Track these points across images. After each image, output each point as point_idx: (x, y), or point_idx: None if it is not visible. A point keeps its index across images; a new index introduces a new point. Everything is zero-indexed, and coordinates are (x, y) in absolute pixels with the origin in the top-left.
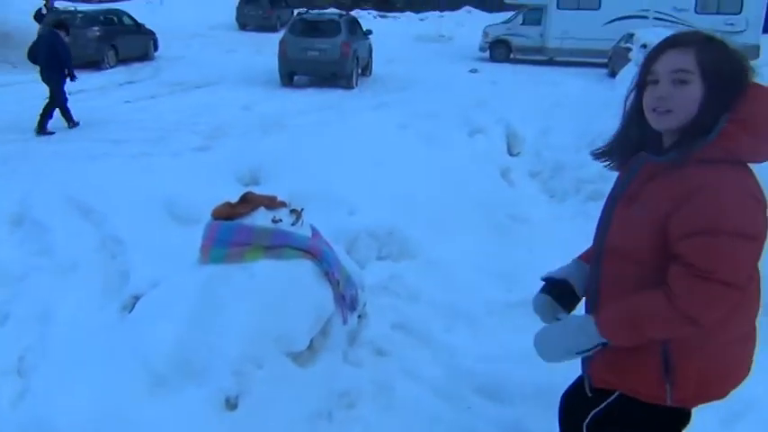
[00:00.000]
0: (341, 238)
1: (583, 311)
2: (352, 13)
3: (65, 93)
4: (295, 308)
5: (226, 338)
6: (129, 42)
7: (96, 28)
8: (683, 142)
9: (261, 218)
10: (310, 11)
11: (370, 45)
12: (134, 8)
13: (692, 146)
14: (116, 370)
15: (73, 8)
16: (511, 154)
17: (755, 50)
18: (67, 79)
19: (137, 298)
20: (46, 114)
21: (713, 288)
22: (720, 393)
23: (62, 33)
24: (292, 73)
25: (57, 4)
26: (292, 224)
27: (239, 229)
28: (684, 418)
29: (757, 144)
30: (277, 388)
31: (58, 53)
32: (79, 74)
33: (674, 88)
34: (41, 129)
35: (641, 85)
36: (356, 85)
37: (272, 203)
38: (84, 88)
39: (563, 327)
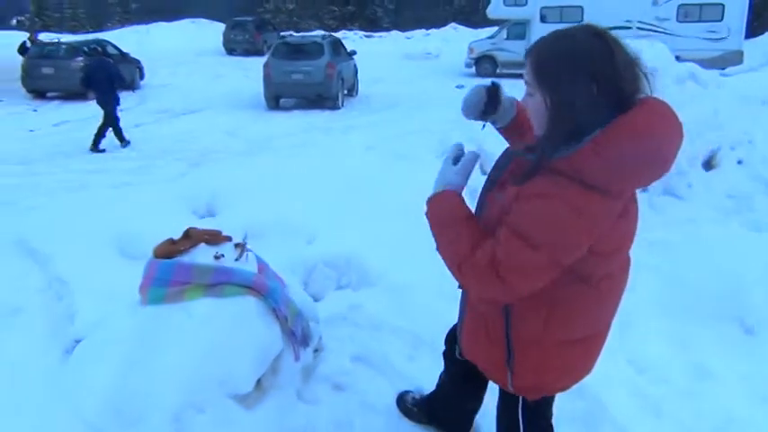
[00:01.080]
0: (298, 268)
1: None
2: (339, 33)
3: (117, 114)
4: (237, 348)
5: (163, 384)
6: None
7: (80, 59)
8: (541, 146)
9: (202, 254)
10: (296, 34)
11: (354, 65)
12: (121, 38)
13: (549, 152)
14: (50, 421)
15: (57, 40)
16: (483, 172)
17: (739, 56)
18: (119, 102)
19: (78, 341)
20: (99, 134)
21: (493, 283)
22: (559, 388)
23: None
24: (278, 96)
25: (40, 37)
26: (236, 259)
27: (178, 267)
28: (539, 408)
29: (610, 177)
30: None
31: (112, 79)
32: (64, 105)
33: (527, 99)
34: (95, 147)
35: None
36: (342, 105)
37: (214, 238)
38: (68, 119)
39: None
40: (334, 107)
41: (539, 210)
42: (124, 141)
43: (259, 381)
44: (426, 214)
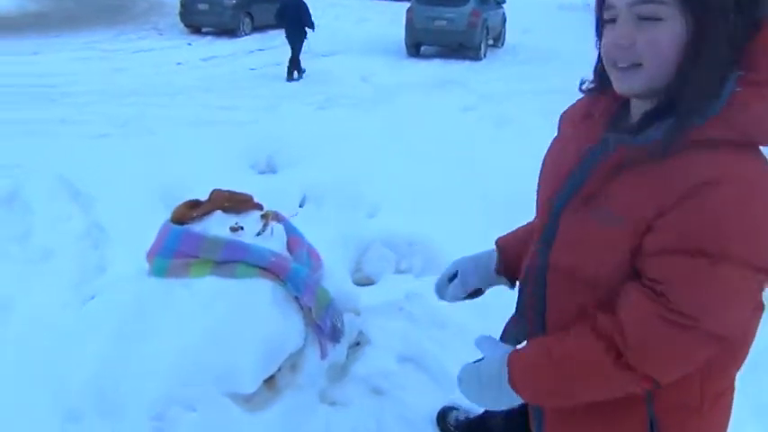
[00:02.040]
0: (351, 244)
1: None
2: None
3: (301, 49)
4: (241, 339)
5: (148, 371)
6: (265, 10)
7: None
8: (665, 115)
9: (217, 224)
10: None
11: (503, 14)
12: None
13: (684, 121)
14: (32, 397)
15: None
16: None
17: None
18: (307, 37)
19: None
20: (292, 66)
21: (689, 341)
22: None
23: None
24: (418, 43)
25: None
26: (257, 234)
27: (186, 236)
28: None
29: None
30: None
31: (302, 15)
32: (216, 41)
33: (637, 28)
34: (290, 76)
35: (599, 26)
36: (484, 56)
37: (237, 205)
38: (216, 55)
39: (479, 378)
40: (476, 57)
41: (718, 206)
42: (294, 75)
43: (273, 378)
44: (529, 396)
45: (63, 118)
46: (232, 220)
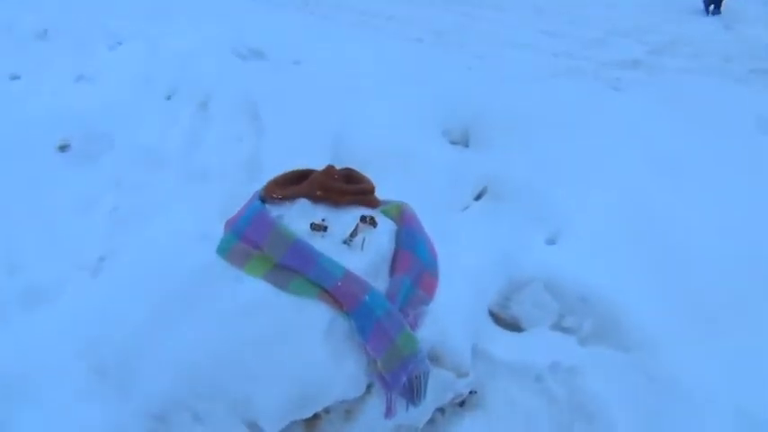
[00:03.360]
0: (506, 273)
1: None
2: None
3: None
4: (270, 370)
5: (170, 362)
6: None
7: None
8: None
9: (298, 214)
10: None
11: None
12: None
13: None
14: (85, 329)
15: None
16: None
17: None
18: None
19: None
20: None
21: None
22: None
23: None
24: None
25: None
26: (344, 241)
27: (258, 219)
28: None
29: None
30: None
31: None
32: None
33: None
34: (716, 9)
35: None
36: None
37: (338, 195)
38: None
39: None
40: None
41: None
42: (711, 9)
43: (318, 420)
44: None
45: (391, 15)
46: (318, 214)
